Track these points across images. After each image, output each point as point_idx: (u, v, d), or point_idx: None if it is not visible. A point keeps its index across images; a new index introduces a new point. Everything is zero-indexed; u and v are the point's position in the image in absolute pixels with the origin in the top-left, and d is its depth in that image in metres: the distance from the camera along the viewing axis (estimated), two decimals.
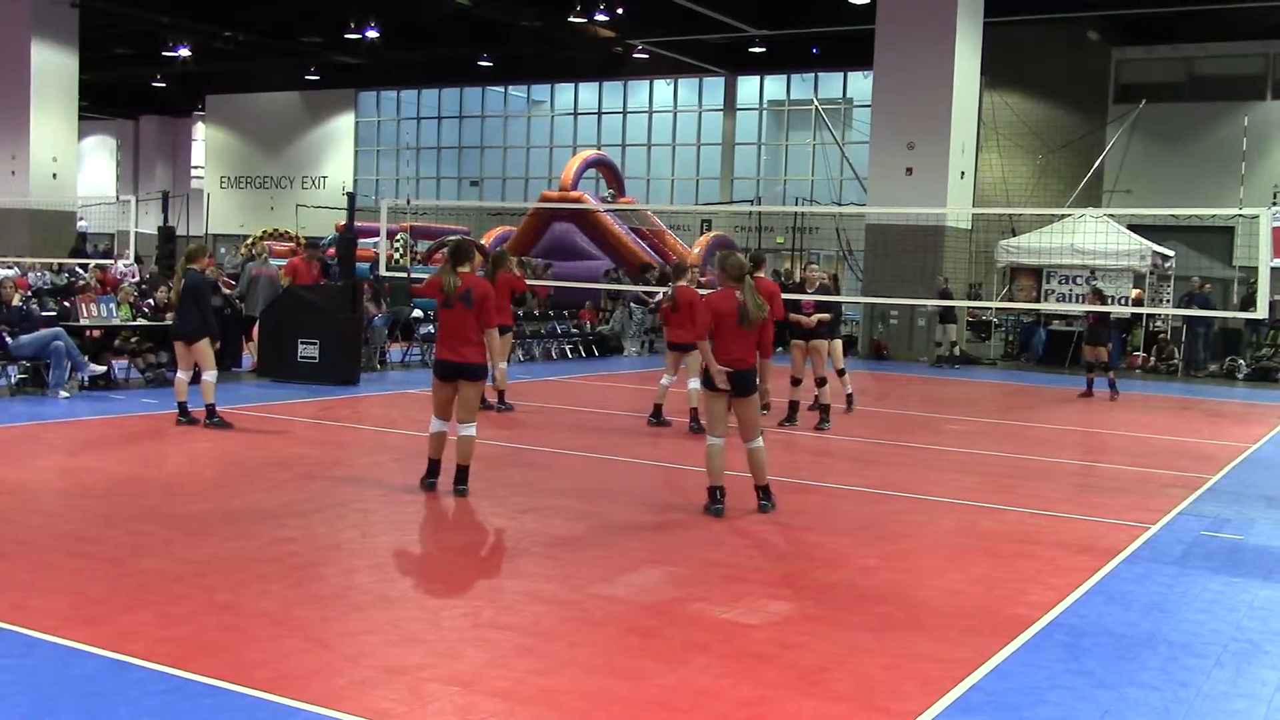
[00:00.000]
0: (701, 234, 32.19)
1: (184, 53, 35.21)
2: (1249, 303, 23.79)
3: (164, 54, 35.70)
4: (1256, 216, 14.46)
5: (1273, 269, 14.65)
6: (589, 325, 24.02)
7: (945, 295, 22.60)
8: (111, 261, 23.95)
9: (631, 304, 24.36)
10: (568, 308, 24.28)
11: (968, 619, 6.18)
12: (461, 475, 8.79)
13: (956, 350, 23.65)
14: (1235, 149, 27.18)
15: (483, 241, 29.14)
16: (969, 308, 25.34)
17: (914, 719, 4.76)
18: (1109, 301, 23.03)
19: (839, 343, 14.44)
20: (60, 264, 24.04)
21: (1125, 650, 5.77)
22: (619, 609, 6.11)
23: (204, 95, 47.38)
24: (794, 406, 13.39)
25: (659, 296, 13.10)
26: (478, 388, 8.87)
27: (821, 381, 13.30)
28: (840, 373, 14.53)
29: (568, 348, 22.39)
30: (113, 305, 14.68)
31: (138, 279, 19.83)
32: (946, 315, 23.47)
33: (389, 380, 16.99)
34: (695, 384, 12.68)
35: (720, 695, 4.94)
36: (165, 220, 22.60)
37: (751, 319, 8.31)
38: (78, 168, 31.99)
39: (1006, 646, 5.70)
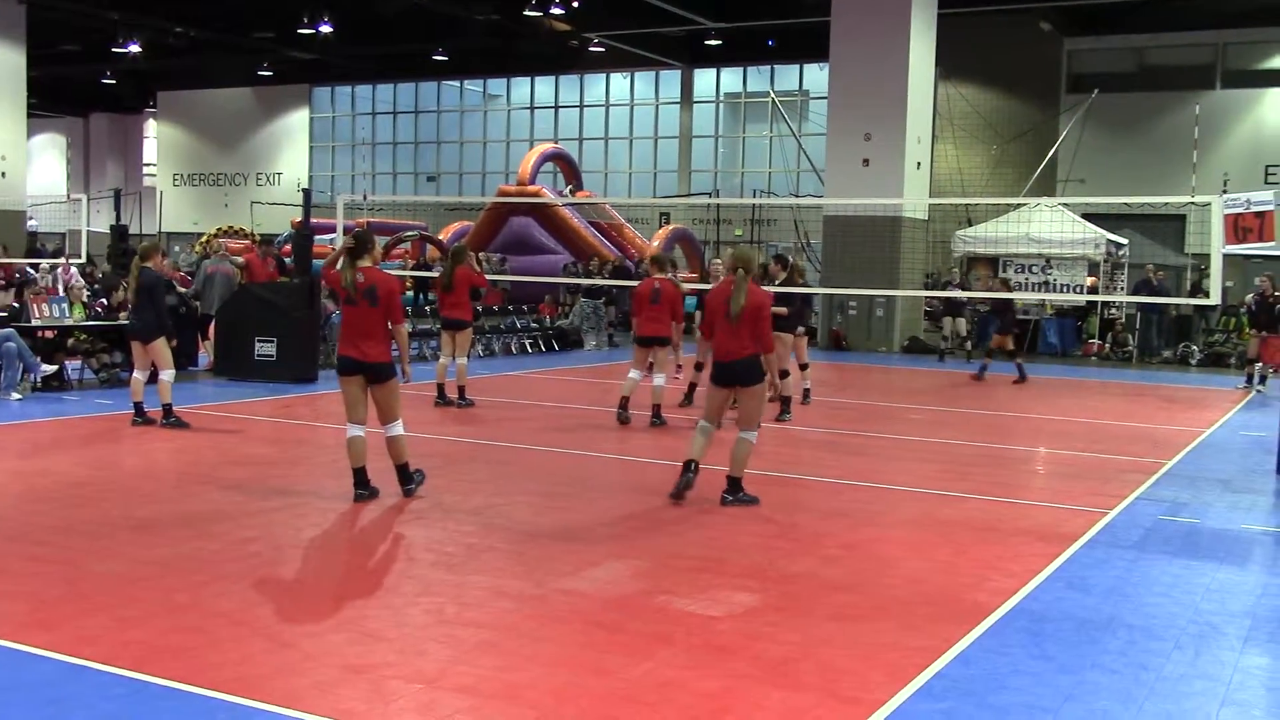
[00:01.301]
0: (660, 226, 32.21)
1: (134, 49, 34.70)
2: (1196, 289, 24.16)
3: (114, 50, 35.18)
4: (1209, 204, 14.64)
5: (1225, 256, 14.83)
6: (549, 319, 23.97)
7: (944, 287, 22.80)
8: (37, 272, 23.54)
9: (582, 298, 24.31)
10: (527, 302, 24.21)
11: (931, 607, 6.21)
12: (403, 476, 8.45)
13: (967, 345, 23.53)
14: (1187, 138, 27.50)
15: (440, 237, 29.06)
16: (926, 297, 25.47)
17: (879, 707, 4.78)
18: (1063, 289, 23.35)
19: (804, 338, 14.44)
20: (12, 264, 23.64)
21: (1086, 635, 5.82)
22: (584, 603, 6.09)
23: (155, 92, 46.82)
24: None
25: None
26: (388, 388, 8.39)
27: (783, 374, 13.33)
28: (803, 367, 14.57)
29: (527, 342, 22.32)
30: (65, 305, 14.47)
31: (76, 281, 19.48)
32: (954, 309, 23.40)
33: None
34: (660, 380, 12.68)
35: (686, 687, 4.94)
36: (117, 219, 22.21)
37: (732, 313, 8.40)
38: (27, 166, 31.49)
39: (969, 633, 5.74)
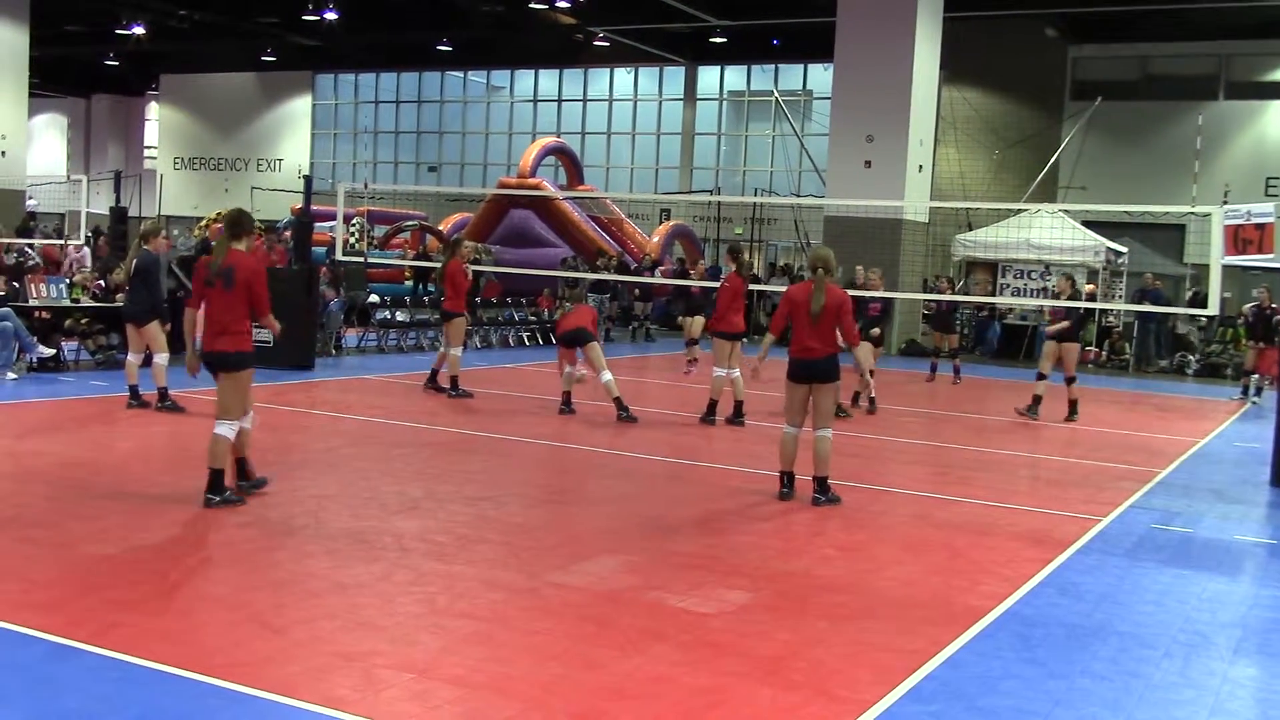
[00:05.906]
0: (660, 223, 32.19)
1: (138, 31, 34.66)
2: (1197, 301, 24.04)
3: (117, 32, 35.13)
4: (1209, 215, 14.64)
5: (1224, 267, 14.83)
6: (546, 313, 23.95)
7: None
8: (62, 241, 23.58)
9: (589, 294, 24.29)
10: (525, 295, 24.19)
11: (923, 609, 6.22)
12: (214, 483, 7.50)
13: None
14: (1189, 147, 27.50)
15: (441, 228, 29.02)
16: (925, 301, 25.45)
17: (869, 708, 4.79)
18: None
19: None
20: (9, 244, 23.62)
21: (1077, 641, 5.83)
22: (576, 597, 6.09)
23: (158, 75, 46.72)
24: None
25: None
26: (234, 379, 7.60)
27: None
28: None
29: (525, 335, 22.33)
30: (63, 286, 14.45)
31: (87, 265, 19.47)
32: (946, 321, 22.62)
33: (344, 366, 16.86)
34: (608, 376, 12.50)
35: (676, 683, 4.94)
36: (117, 201, 22.20)
37: (813, 312, 8.49)
38: (28, 146, 31.43)
39: (960, 636, 5.75)
